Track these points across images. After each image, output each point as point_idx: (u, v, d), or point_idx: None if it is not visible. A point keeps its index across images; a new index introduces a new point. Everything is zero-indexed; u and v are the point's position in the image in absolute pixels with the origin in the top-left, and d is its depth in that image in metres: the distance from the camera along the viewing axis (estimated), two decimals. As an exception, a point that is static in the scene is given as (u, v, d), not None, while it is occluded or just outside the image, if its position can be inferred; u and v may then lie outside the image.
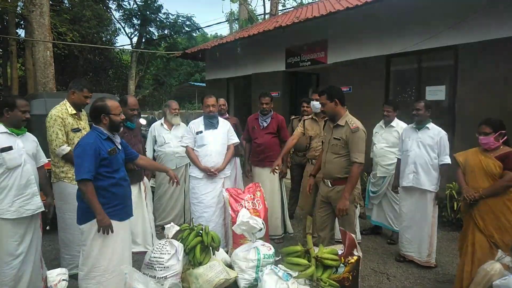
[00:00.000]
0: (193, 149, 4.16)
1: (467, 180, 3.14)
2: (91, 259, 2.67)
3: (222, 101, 5.30)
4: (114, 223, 2.67)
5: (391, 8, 6.19)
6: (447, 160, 3.70)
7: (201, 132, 4.11)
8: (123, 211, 2.81)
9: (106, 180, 2.66)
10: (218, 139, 4.11)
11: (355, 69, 7.10)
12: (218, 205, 4.12)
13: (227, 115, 5.36)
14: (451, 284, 3.35)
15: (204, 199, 4.08)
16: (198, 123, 4.19)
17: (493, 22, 5.14)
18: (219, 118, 4.26)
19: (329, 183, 3.28)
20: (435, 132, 3.75)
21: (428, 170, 3.74)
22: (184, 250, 3.23)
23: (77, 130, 3.41)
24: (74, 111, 3.42)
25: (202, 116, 4.21)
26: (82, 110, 3.57)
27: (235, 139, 4.31)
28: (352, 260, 2.70)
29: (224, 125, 4.23)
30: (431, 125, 3.81)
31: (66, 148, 3.30)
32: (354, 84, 7.16)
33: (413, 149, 3.81)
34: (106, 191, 2.65)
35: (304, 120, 4.28)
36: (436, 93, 5.97)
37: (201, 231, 3.39)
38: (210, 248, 3.33)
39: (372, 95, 6.60)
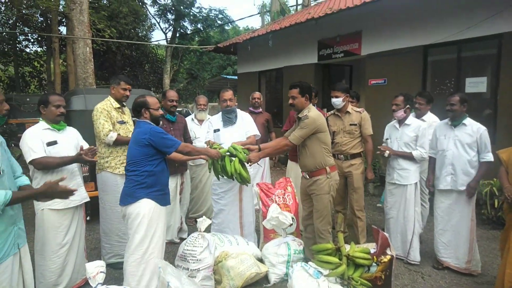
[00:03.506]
0: None
1: (510, 179, 2.98)
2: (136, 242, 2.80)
3: (257, 94, 5.35)
4: (158, 206, 2.87)
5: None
6: (489, 157, 3.39)
7: (218, 130, 3.93)
8: (165, 197, 2.99)
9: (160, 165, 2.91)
10: (235, 136, 3.86)
11: (390, 60, 6.89)
12: (234, 202, 3.89)
13: (261, 109, 5.36)
14: (491, 286, 3.21)
15: (223, 197, 3.89)
16: (217, 119, 3.99)
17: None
18: (238, 111, 4.00)
19: (307, 175, 3.41)
20: (473, 129, 3.44)
21: (467, 171, 3.45)
22: (229, 176, 3.43)
23: (122, 122, 3.63)
24: (118, 105, 3.64)
25: (221, 112, 3.99)
26: (125, 105, 3.76)
27: (254, 132, 3.96)
28: (385, 260, 2.66)
29: (243, 119, 3.98)
30: (468, 120, 3.49)
31: (113, 135, 3.48)
32: (389, 76, 6.96)
33: (450, 148, 3.54)
34: (154, 175, 2.85)
35: (327, 117, 4.14)
36: (477, 85, 5.69)
37: (229, 153, 3.48)
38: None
39: (408, 87, 6.37)
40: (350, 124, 3.94)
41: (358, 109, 4.03)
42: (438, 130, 3.71)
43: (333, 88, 3.98)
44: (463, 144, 3.47)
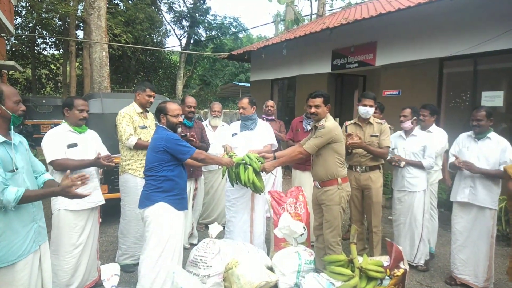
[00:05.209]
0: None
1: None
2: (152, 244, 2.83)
3: (270, 102, 5.41)
4: (174, 211, 2.89)
5: (446, 9, 5.90)
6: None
7: (235, 134, 4.00)
8: (182, 202, 3.01)
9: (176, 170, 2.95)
10: (252, 142, 3.88)
11: (405, 72, 6.85)
12: (245, 210, 3.88)
13: (274, 117, 5.39)
14: (505, 305, 3.14)
15: (235, 204, 3.89)
16: (236, 125, 4.10)
17: None
18: (259, 120, 4.07)
19: (318, 185, 3.40)
20: (498, 143, 3.34)
21: (488, 185, 3.33)
22: (244, 184, 3.44)
23: (143, 127, 3.70)
24: (141, 110, 3.72)
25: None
26: (148, 110, 3.85)
27: (271, 141, 3.99)
28: (398, 273, 2.62)
29: (261, 127, 4.01)
30: (492, 134, 3.39)
31: (134, 139, 3.55)
32: (403, 87, 6.91)
33: (472, 161, 3.39)
34: (171, 180, 2.89)
35: (346, 126, 4.06)
36: (493, 99, 5.61)
37: (244, 162, 3.49)
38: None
39: (423, 99, 6.31)
40: (371, 135, 3.80)
41: (379, 120, 3.93)
42: (461, 142, 3.64)
43: (364, 96, 3.84)
44: (486, 157, 3.37)
